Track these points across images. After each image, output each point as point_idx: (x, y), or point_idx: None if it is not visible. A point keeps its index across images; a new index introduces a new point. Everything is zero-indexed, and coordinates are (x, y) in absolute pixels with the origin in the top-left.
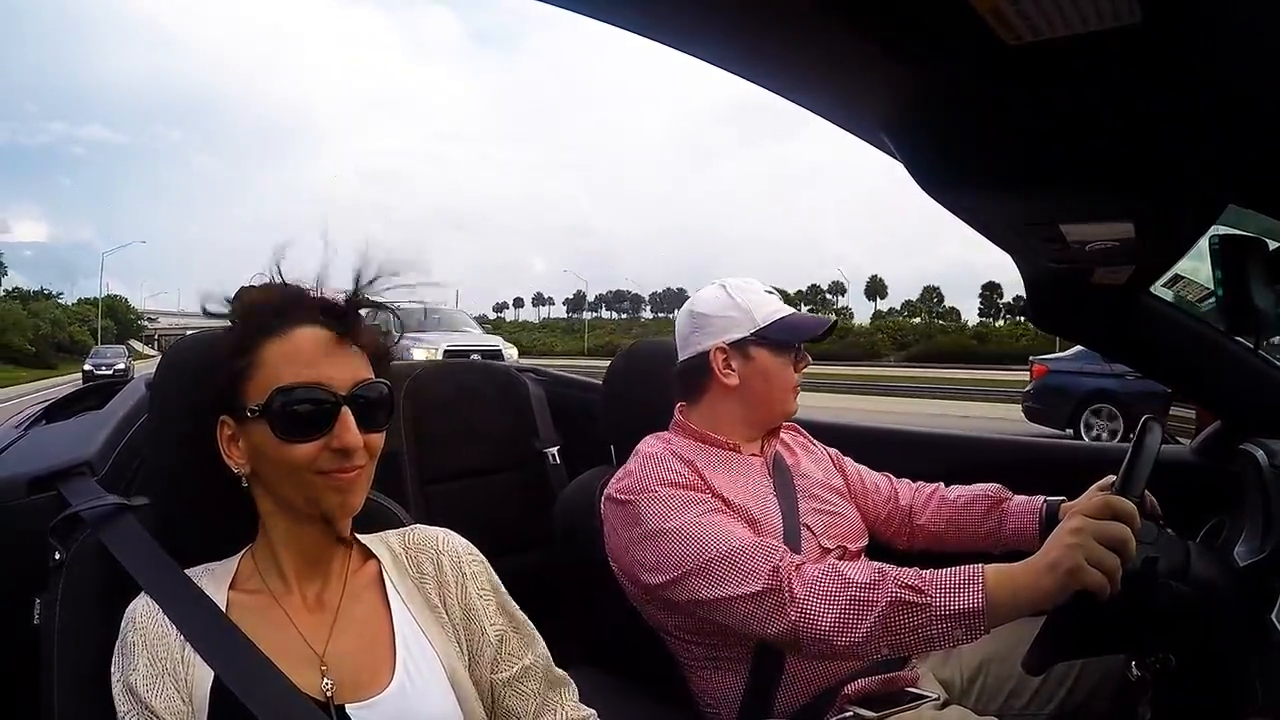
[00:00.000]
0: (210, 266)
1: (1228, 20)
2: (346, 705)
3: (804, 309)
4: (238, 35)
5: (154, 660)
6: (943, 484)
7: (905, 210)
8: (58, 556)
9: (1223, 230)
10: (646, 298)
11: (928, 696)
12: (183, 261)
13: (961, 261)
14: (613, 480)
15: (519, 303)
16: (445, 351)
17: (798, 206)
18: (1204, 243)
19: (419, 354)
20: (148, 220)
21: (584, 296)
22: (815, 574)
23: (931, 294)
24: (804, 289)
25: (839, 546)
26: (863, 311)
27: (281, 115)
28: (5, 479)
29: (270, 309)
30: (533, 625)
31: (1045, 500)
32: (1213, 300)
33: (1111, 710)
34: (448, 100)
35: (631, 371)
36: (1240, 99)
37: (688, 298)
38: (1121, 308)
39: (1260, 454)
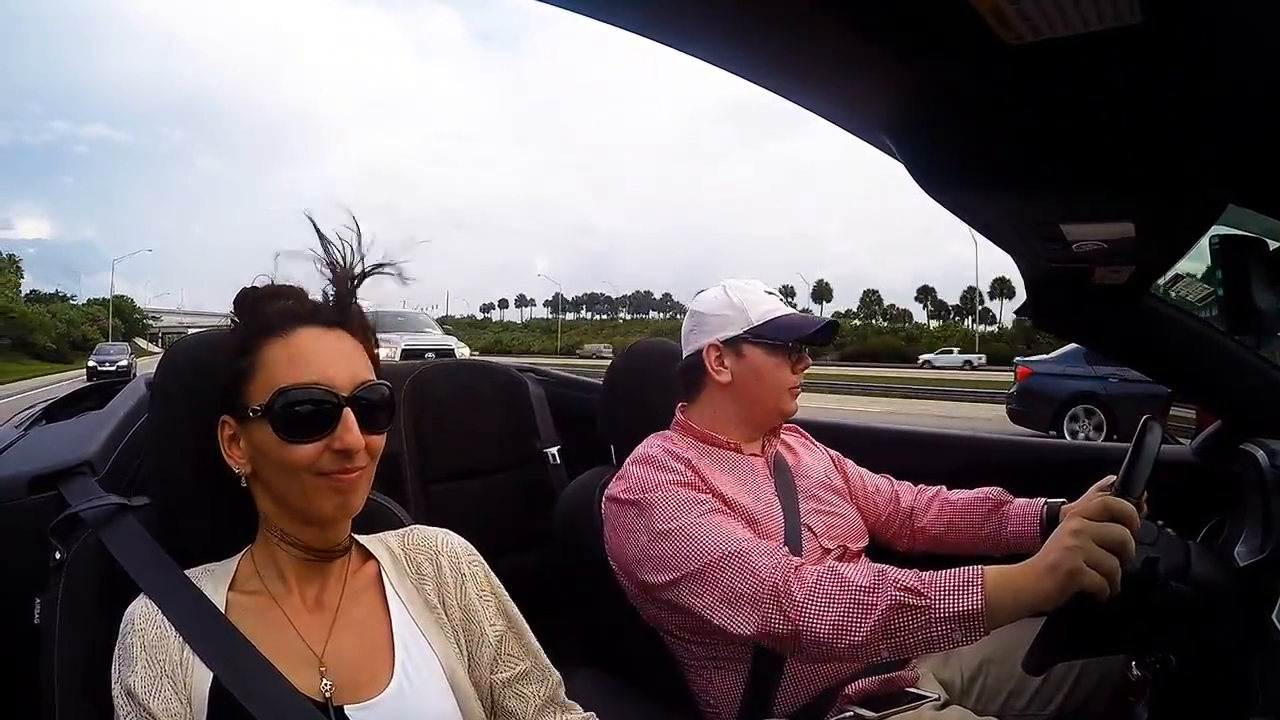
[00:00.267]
0: (213, 266)
1: (1228, 20)
2: (345, 706)
3: None
4: (240, 35)
5: (153, 662)
6: (944, 486)
7: (906, 211)
8: (58, 556)
9: (1223, 230)
10: (616, 298)
11: (928, 697)
12: (185, 261)
13: (962, 261)
14: (613, 480)
15: (504, 304)
16: (403, 351)
17: (800, 206)
18: (1204, 242)
19: (382, 352)
20: (150, 220)
21: (562, 298)
22: (815, 576)
23: (870, 296)
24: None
25: (839, 547)
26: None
27: (284, 115)
28: (5, 479)
29: (272, 310)
30: (529, 629)
31: (1045, 502)
32: (1213, 300)
33: (1111, 710)
34: (450, 100)
35: (631, 371)
36: (1241, 99)
37: (656, 299)
38: (1122, 308)
39: (1260, 454)
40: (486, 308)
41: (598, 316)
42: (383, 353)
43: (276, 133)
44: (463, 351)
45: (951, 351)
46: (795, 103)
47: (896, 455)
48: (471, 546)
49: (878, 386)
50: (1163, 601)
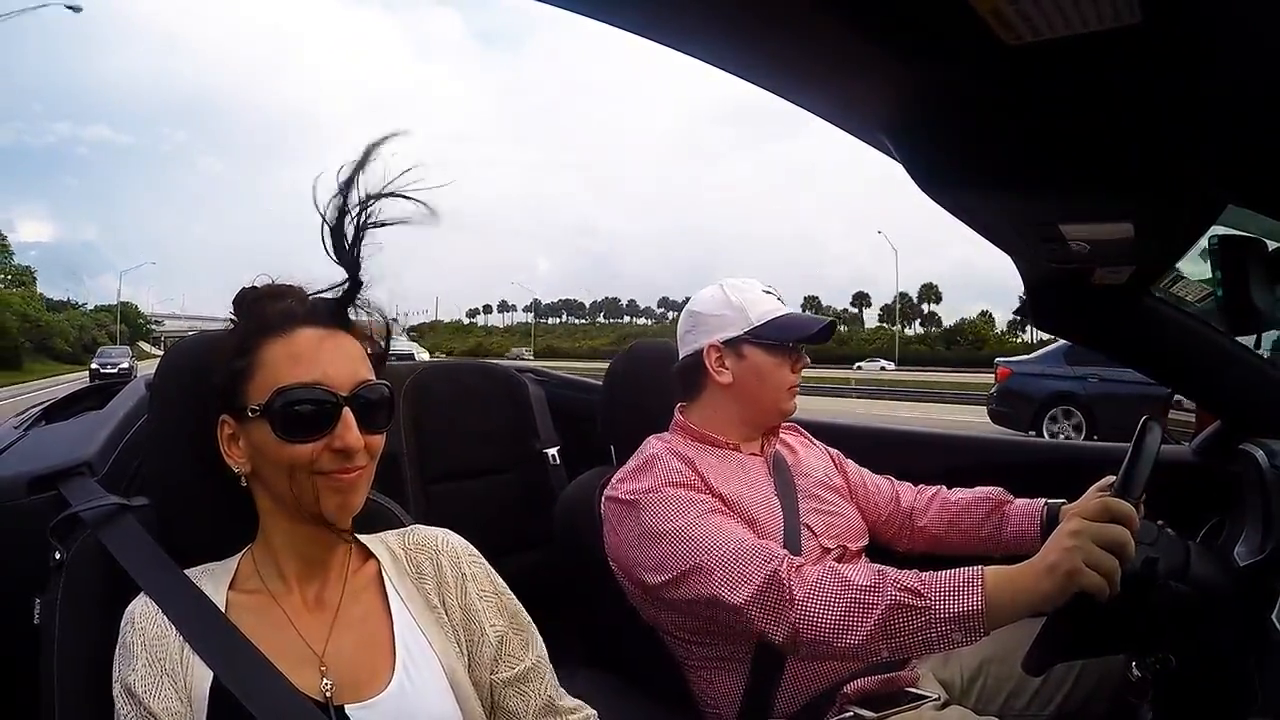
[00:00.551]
0: (215, 268)
1: (1228, 20)
2: (346, 706)
3: None
4: (241, 36)
5: (153, 661)
6: (944, 486)
7: (908, 211)
8: (58, 557)
9: (1223, 230)
10: (588, 305)
11: (928, 697)
12: (187, 264)
13: (964, 263)
14: (613, 480)
15: (488, 309)
16: None
17: (800, 206)
18: (1204, 243)
19: None
20: (152, 221)
21: (539, 303)
22: (815, 576)
23: (810, 302)
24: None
25: (839, 546)
26: None
27: (286, 116)
28: (5, 479)
29: (272, 310)
30: (535, 629)
31: (1046, 503)
32: (1213, 300)
33: (1111, 710)
34: (451, 101)
35: (630, 372)
36: (1240, 99)
37: (622, 305)
38: (1122, 308)
39: (1260, 454)
40: (472, 312)
41: (574, 320)
42: None
43: (277, 133)
44: (422, 355)
45: (877, 360)
46: (794, 103)
47: (896, 455)
48: (472, 546)
49: (814, 387)
50: (1162, 602)
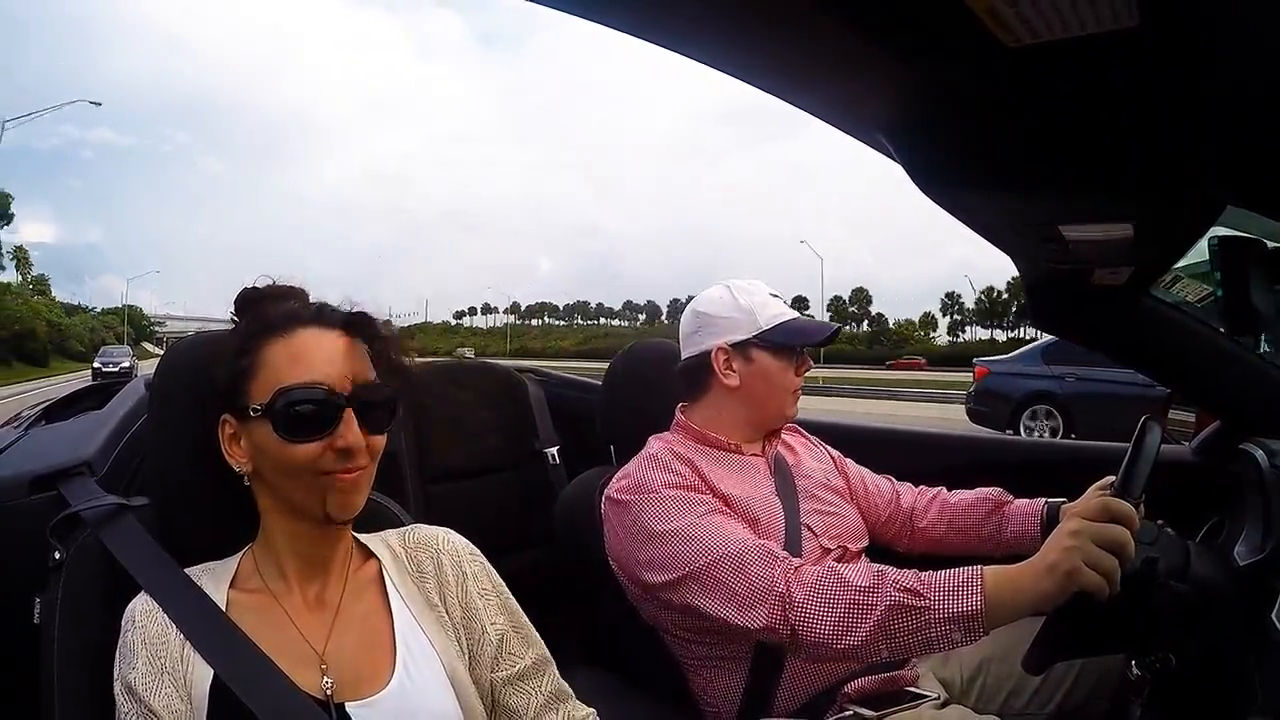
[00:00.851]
0: (217, 269)
1: (1227, 21)
2: (346, 704)
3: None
4: (243, 37)
5: (153, 659)
6: (944, 488)
7: (910, 211)
8: (57, 556)
9: (1222, 231)
10: (562, 307)
11: (928, 696)
12: (189, 265)
13: (966, 263)
14: (613, 480)
15: (473, 311)
16: None
17: (801, 207)
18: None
19: None
20: (155, 222)
21: (519, 306)
22: (814, 577)
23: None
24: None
25: (839, 547)
26: None
27: (288, 117)
28: (5, 479)
29: (274, 310)
30: (533, 628)
31: (1046, 502)
32: (1212, 300)
33: (1111, 710)
34: (453, 102)
35: (630, 372)
36: (1240, 100)
37: (591, 307)
38: (1121, 308)
39: (1260, 454)
40: (459, 314)
41: (551, 321)
42: None
43: (278, 133)
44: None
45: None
46: (793, 104)
47: (897, 455)
48: (473, 545)
49: None
50: (1162, 601)
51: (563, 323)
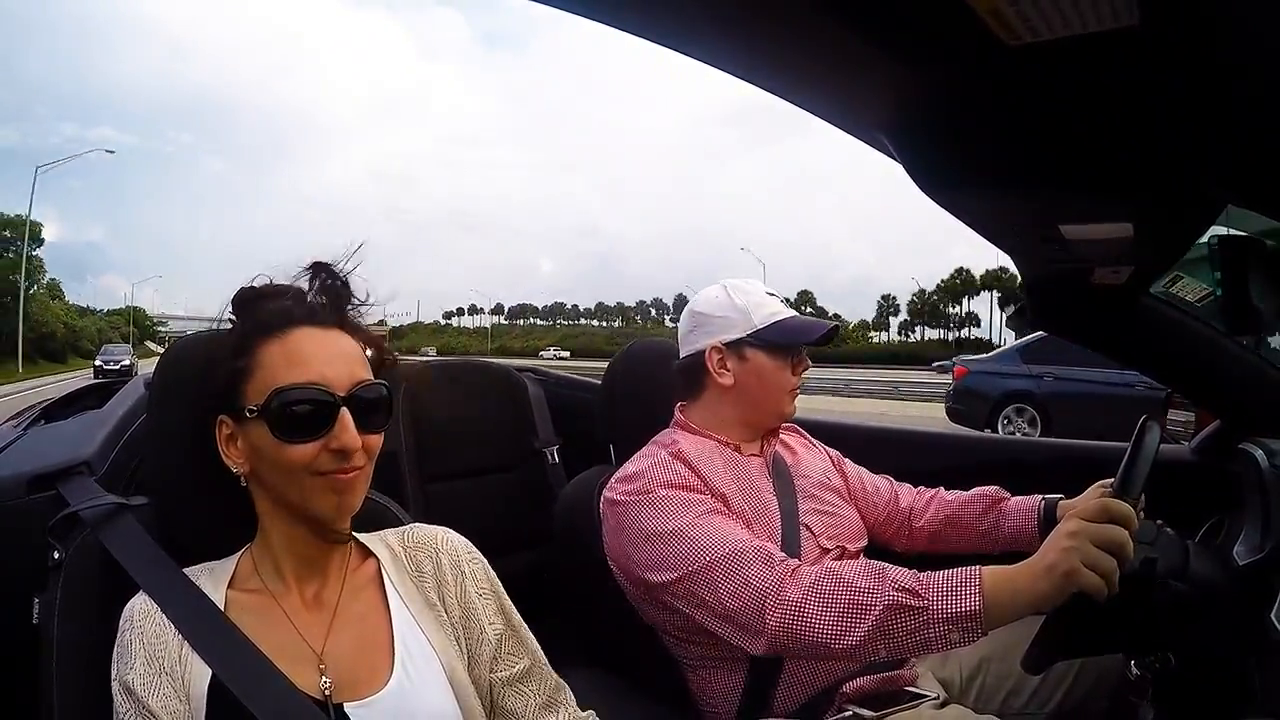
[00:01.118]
0: (218, 269)
1: (1227, 21)
2: (345, 704)
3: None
4: (245, 38)
5: (151, 659)
6: (942, 488)
7: (913, 211)
8: (57, 556)
9: (1222, 230)
10: (541, 308)
11: (927, 696)
12: (191, 265)
13: (967, 263)
14: (612, 480)
15: (460, 311)
16: None
17: (805, 208)
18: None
19: None
20: (156, 222)
21: (503, 307)
22: (812, 577)
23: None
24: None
25: (838, 547)
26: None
27: (290, 118)
28: (5, 479)
29: (270, 310)
30: (528, 630)
31: (1043, 499)
32: (1213, 300)
33: (1110, 709)
34: (456, 102)
35: (630, 372)
36: (1240, 99)
37: (567, 308)
38: (1121, 308)
39: (1260, 454)
40: (448, 315)
41: (534, 321)
42: None
43: (280, 134)
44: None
45: None
46: (793, 103)
47: (896, 455)
48: (472, 545)
49: None
50: (1162, 601)
51: (546, 323)
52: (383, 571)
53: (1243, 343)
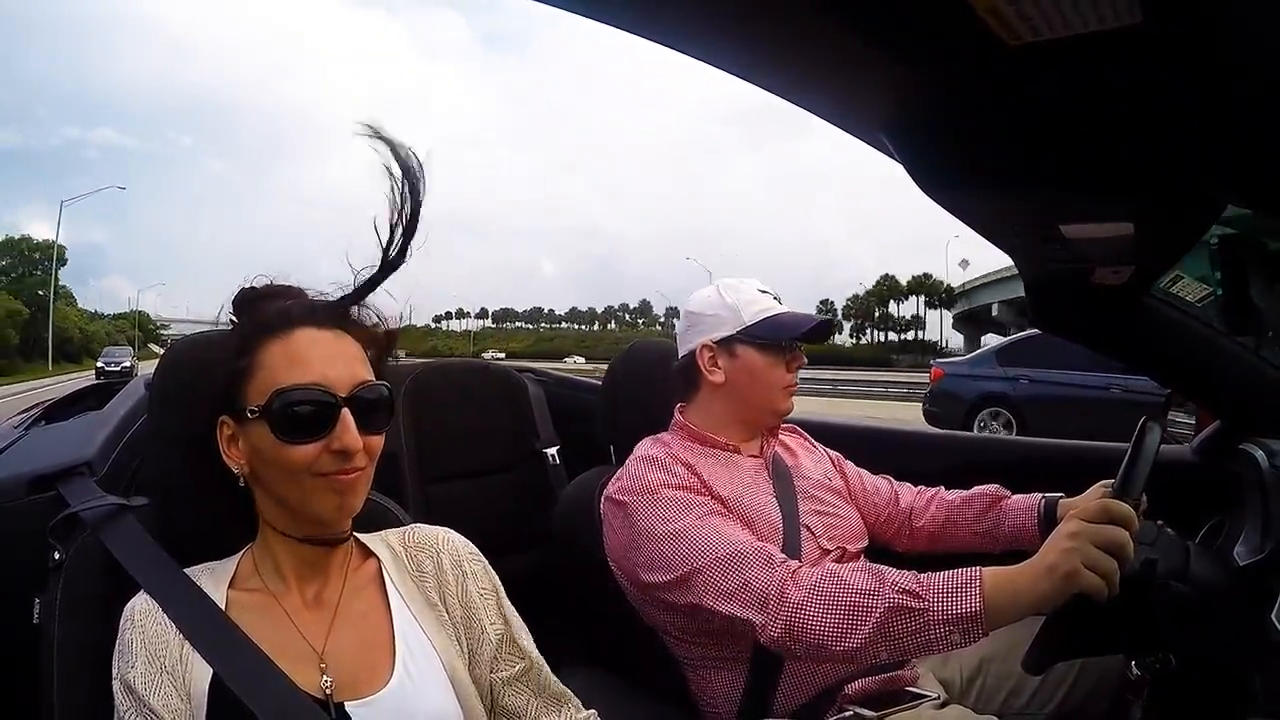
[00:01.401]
0: (220, 270)
1: (1228, 21)
2: (346, 703)
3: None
4: (246, 39)
5: (152, 658)
6: (943, 488)
7: (914, 211)
8: (57, 556)
9: (1222, 231)
10: (521, 312)
11: (927, 696)
12: (192, 265)
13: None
14: (612, 481)
15: (449, 315)
16: None
17: (808, 208)
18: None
19: None
20: (158, 223)
21: (488, 311)
22: (813, 578)
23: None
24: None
25: (838, 548)
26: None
27: (290, 118)
28: (5, 479)
29: (271, 310)
30: (527, 631)
31: (1043, 497)
32: (1213, 300)
33: (1111, 710)
34: (456, 103)
35: (630, 372)
36: (1241, 99)
37: (545, 313)
38: (1122, 308)
39: (1260, 454)
40: (437, 319)
41: (518, 324)
42: None
43: (281, 135)
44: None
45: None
46: (793, 103)
47: (896, 455)
48: (473, 545)
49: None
50: (1162, 602)
51: (529, 326)
52: (384, 571)
53: (1243, 343)
